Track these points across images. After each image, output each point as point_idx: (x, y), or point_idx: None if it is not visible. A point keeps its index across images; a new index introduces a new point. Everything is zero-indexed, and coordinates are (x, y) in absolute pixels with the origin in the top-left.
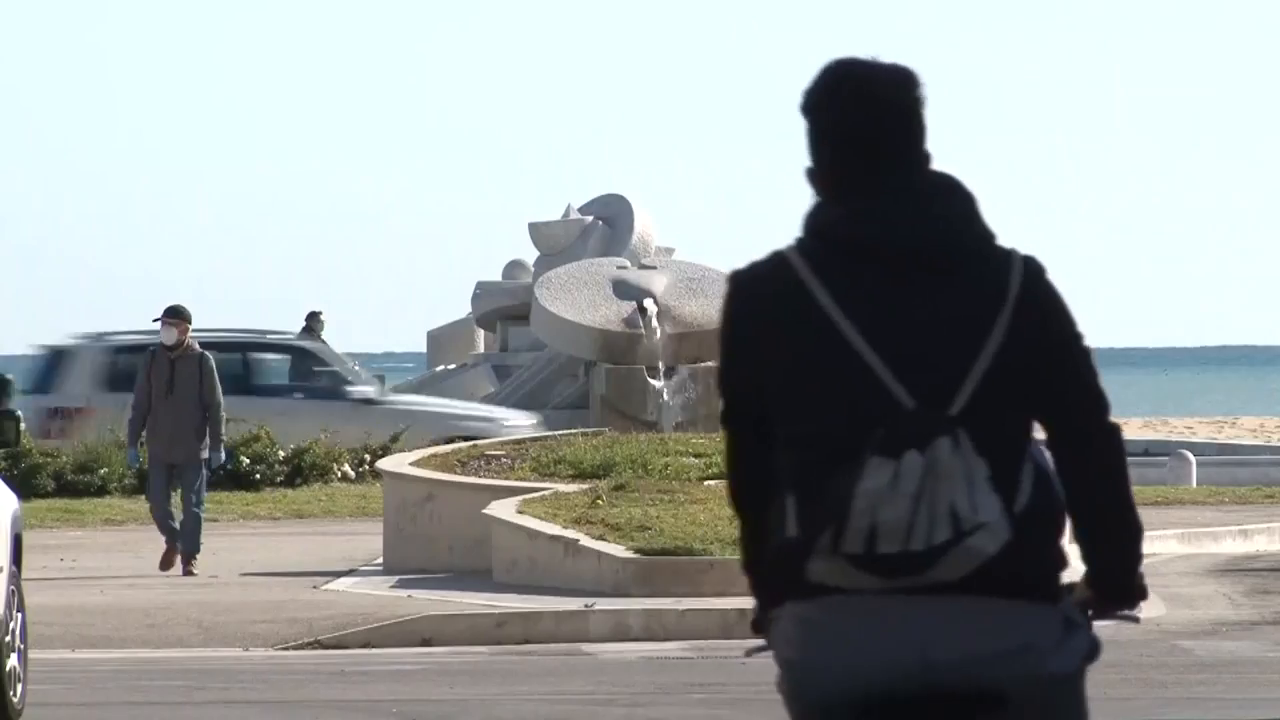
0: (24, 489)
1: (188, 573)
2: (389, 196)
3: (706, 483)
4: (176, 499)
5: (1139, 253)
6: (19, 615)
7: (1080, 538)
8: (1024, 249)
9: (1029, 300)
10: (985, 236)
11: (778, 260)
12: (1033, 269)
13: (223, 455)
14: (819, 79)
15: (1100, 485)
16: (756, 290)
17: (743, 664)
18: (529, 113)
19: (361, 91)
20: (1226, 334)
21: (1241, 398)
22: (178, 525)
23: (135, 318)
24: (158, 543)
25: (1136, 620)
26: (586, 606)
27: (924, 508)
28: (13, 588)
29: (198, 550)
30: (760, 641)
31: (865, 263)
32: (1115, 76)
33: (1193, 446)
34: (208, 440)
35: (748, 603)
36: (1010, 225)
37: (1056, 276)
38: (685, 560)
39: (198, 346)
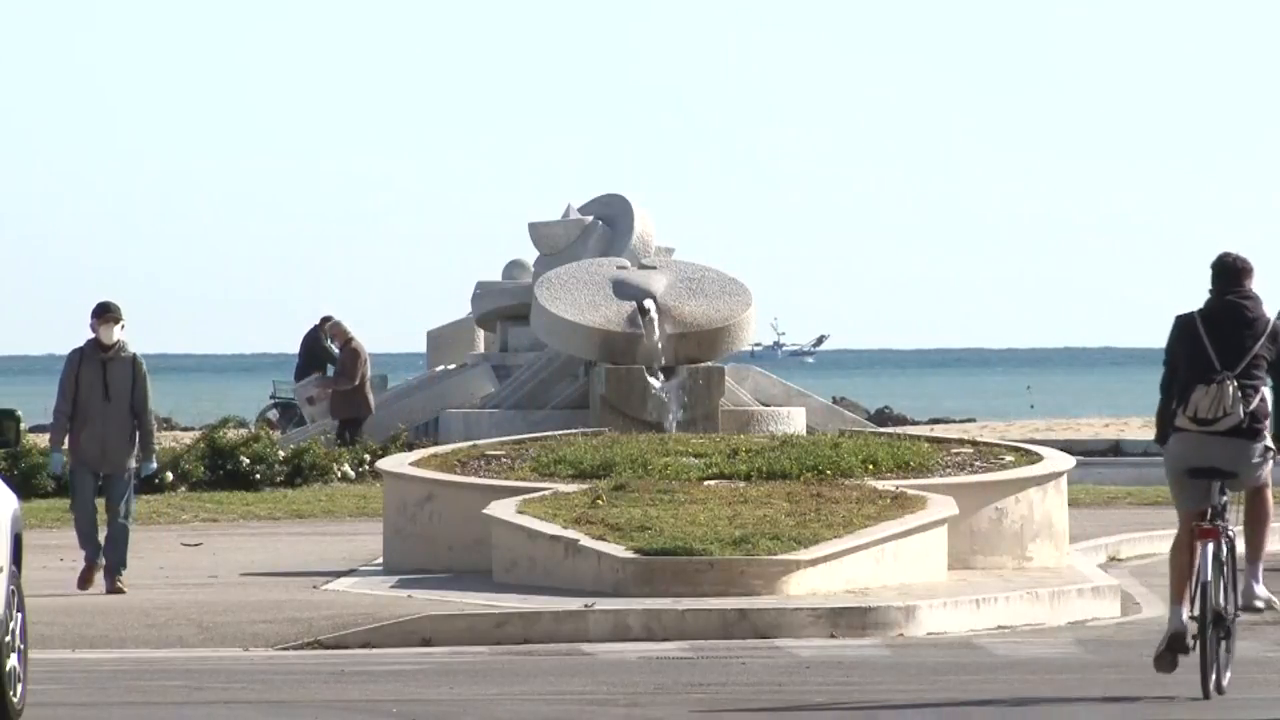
0: (24, 489)
1: (114, 590)
2: (389, 196)
3: (706, 483)
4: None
5: (1141, 254)
6: (19, 615)
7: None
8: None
9: (1273, 335)
10: (1261, 313)
11: (1190, 314)
12: (1275, 323)
13: (154, 464)
14: (1219, 259)
15: None
16: (1183, 322)
17: (743, 664)
18: (529, 113)
19: (361, 91)
20: None
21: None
22: (101, 541)
23: (135, 318)
24: (158, 542)
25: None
26: (586, 606)
27: (1217, 403)
28: (13, 588)
29: (124, 564)
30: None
31: (1218, 320)
32: (1117, 76)
33: None
34: (137, 449)
35: (747, 603)
36: (1015, 224)
37: (1074, 277)
38: (685, 560)
39: (130, 347)
